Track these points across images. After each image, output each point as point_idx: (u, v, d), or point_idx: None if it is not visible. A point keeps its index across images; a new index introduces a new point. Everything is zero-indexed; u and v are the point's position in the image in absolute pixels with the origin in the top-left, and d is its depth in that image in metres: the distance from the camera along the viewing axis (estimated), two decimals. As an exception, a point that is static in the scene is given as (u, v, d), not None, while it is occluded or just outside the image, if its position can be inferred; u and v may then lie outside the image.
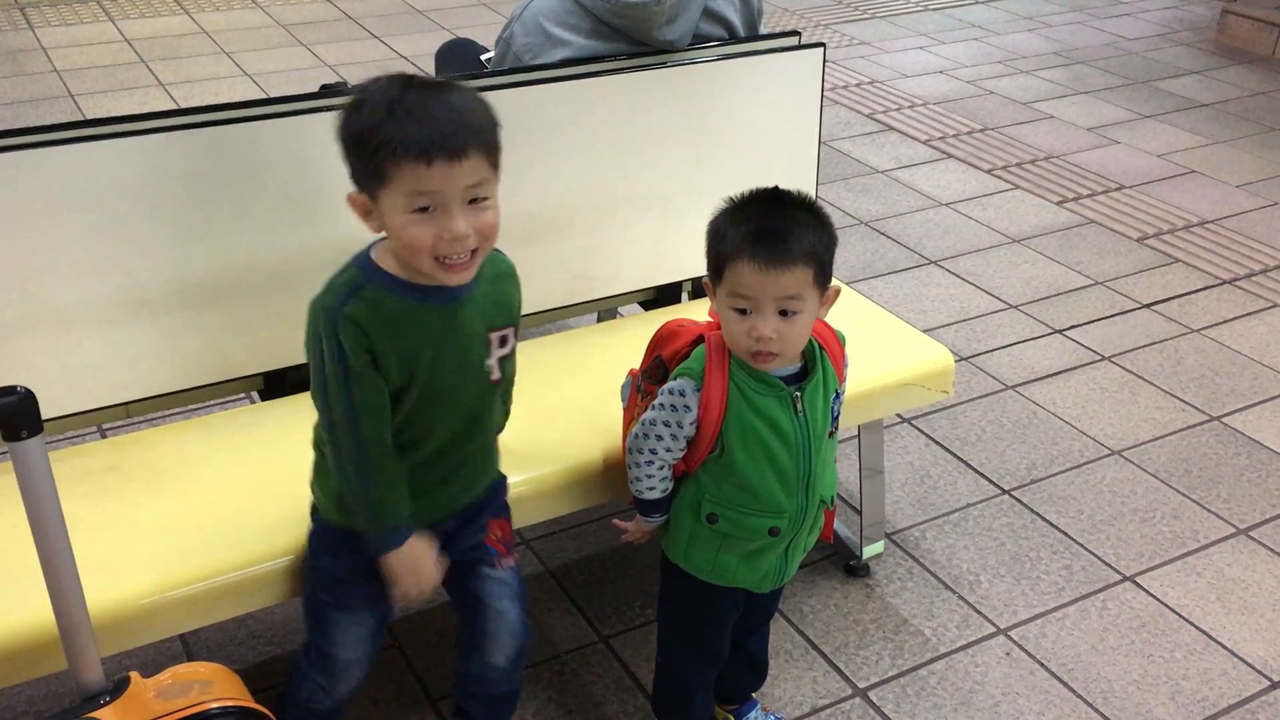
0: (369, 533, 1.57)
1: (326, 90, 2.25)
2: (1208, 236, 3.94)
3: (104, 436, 2.57)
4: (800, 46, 2.44)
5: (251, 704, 1.24)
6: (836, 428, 1.77)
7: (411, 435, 1.57)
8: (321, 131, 1.81)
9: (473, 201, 1.45)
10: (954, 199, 4.17)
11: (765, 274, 1.55)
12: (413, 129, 1.39)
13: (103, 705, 1.19)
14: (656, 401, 1.70)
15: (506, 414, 1.78)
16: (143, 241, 1.92)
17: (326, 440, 1.55)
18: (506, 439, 1.81)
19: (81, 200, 1.87)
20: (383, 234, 1.51)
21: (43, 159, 1.83)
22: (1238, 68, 5.58)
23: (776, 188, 1.65)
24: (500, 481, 1.80)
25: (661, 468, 1.73)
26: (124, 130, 1.89)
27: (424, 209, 1.42)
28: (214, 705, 1.21)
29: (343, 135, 1.47)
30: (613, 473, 1.96)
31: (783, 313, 1.58)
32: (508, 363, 1.66)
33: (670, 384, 1.69)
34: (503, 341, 1.63)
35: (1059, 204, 4.15)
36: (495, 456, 1.76)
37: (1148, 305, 3.51)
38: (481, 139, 1.44)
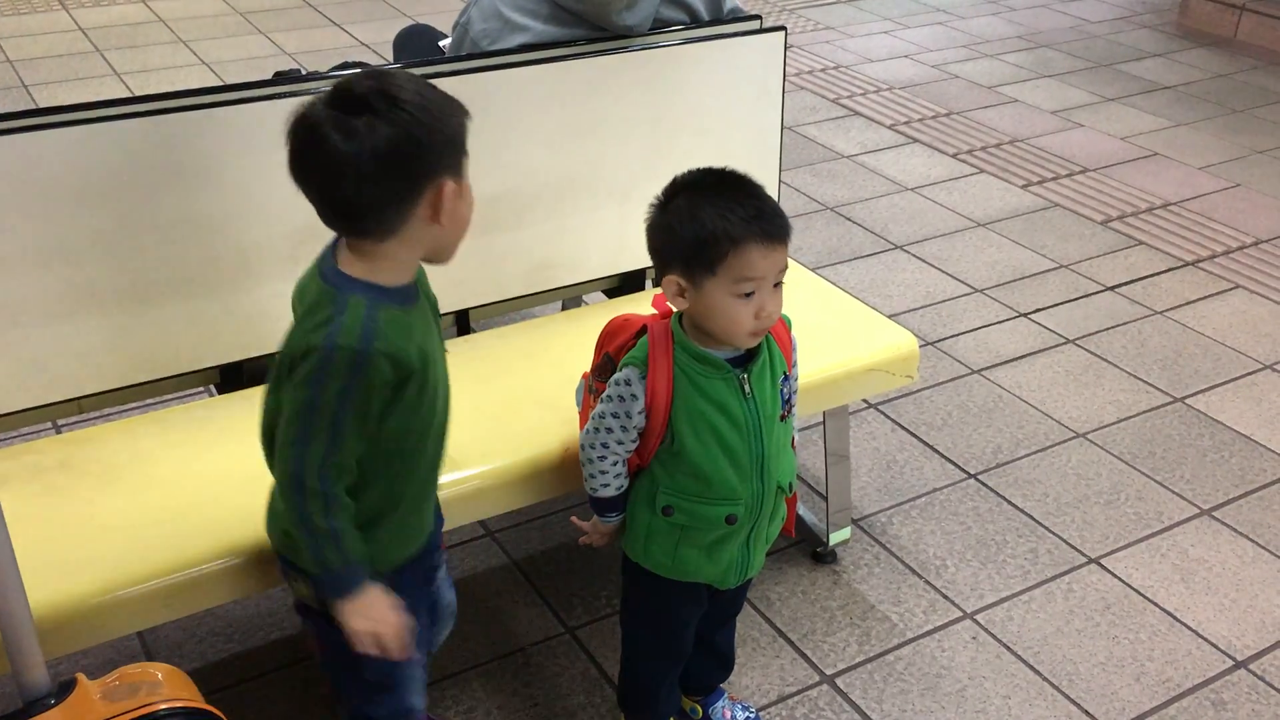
0: (335, 572, 1.44)
1: (280, 77, 2.20)
2: (1171, 219, 3.96)
3: (58, 432, 2.53)
4: (761, 30, 2.42)
5: (201, 704, 1.22)
6: (789, 411, 1.75)
7: (414, 441, 1.52)
8: (277, 120, 1.78)
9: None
10: (919, 183, 4.17)
11: (771, 252, 1.56)
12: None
13: (48, 708, 1.16)
14: (605, 394, 1.68)
15: None
16: (93, 233, 1.88)
17: (286, 481, 1.44)
18: (466, 431, 1.78)
19: (28, 191, 1.83)
20: (337, 238, 1.47)
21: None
22: (1200, 50, 5.61)
23: (713, 169, 1.63)
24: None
25: (616, 463, 1.71)
26: (73, 119, 1.85)
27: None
28: (162, 706, 1.19)
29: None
30: (577, 463, 1.94)
31: (775, 285, 1.60)
32: None
33: (615, 375, 1.68)
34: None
35: (1023, 188, 4.16)
36: None
37: (1111, 288, 3.52)
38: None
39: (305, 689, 2.10)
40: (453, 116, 1.42)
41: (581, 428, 1.83)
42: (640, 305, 1.85)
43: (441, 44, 2.91)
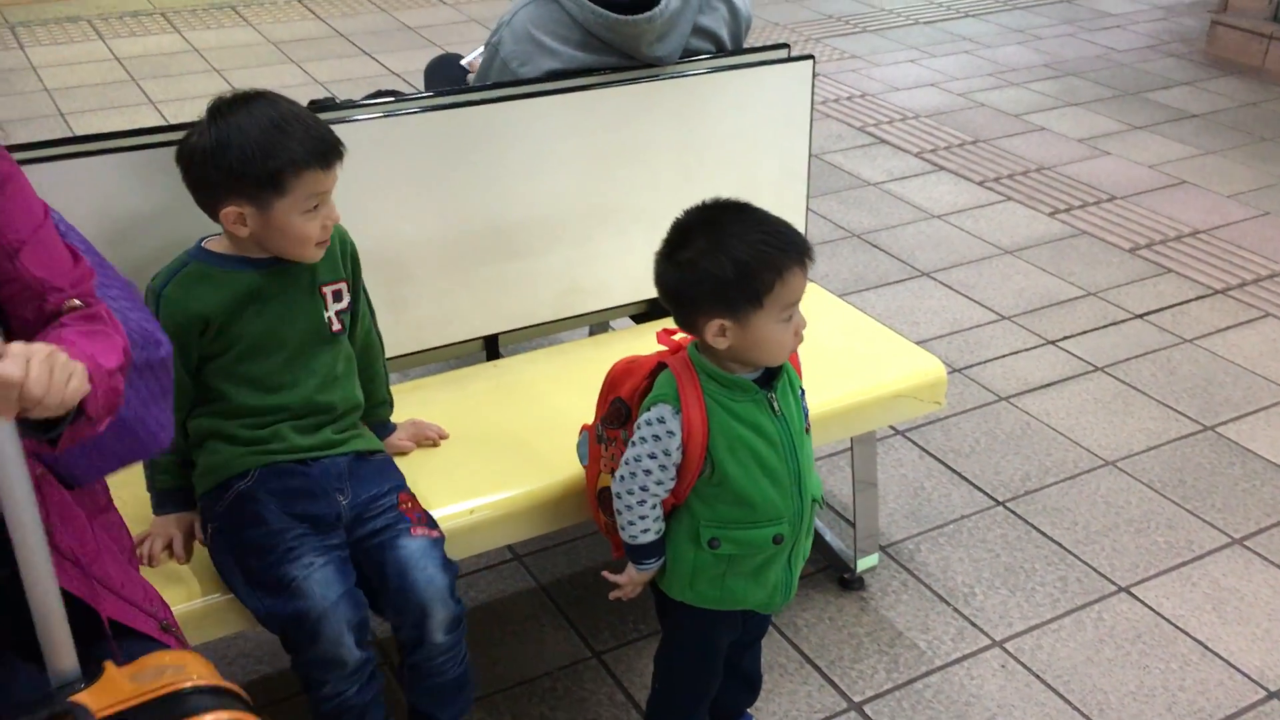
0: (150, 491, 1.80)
1: (314, 106, 2.24)
2: (1200, 247, 3.95)
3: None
4: (789, 59, 2.44)
5: (223, 683, 1.27)
6: (809, 424, 1.76)
7: (261, 380, 1.76)
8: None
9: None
10: (946, 211, 4.18)
11: (805, 272, 1.60)
12: (308, 141, 1.66)
13: (78, 690, 1.21)
14: (636, 437, 1.66)
15: (380, 384, 1.96)
16: (135, 256, 1.90)
17: None
18: (494, 455, 1.80)
19: (71, 217, 1.85)
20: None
21: (31, 175, 1.81)
22: (1228, 78, 5.60)
23: (709, 203, 1.65)
24: (389, 457, 1.92)
25: (654, 506, 1.69)
26: (110, 147, 1.88)
27: (315, 208, 1.70)
28: (187, 685, 1.23)
29: (220, 162, 1.65)
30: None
31: None
32: (349, 317, 1.85)
33: (645, 415, 1.66)
34: (337, 296, 1.82)
35: (1051, 215, 4.16)
36: (362, 427, 1.90)
37: (1140, 315, 3.51)
38: (338, 139, 1.72)
39: (333, 711, 2.10)
40: (279, 158, 1.64)
41: (591, 480, 1.83)
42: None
43: (464, 61, 2.93)
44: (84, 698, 1.19)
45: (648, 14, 2.21)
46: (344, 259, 1.84)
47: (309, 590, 1.65)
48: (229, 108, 1.68)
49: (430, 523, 1.81)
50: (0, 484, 1.18)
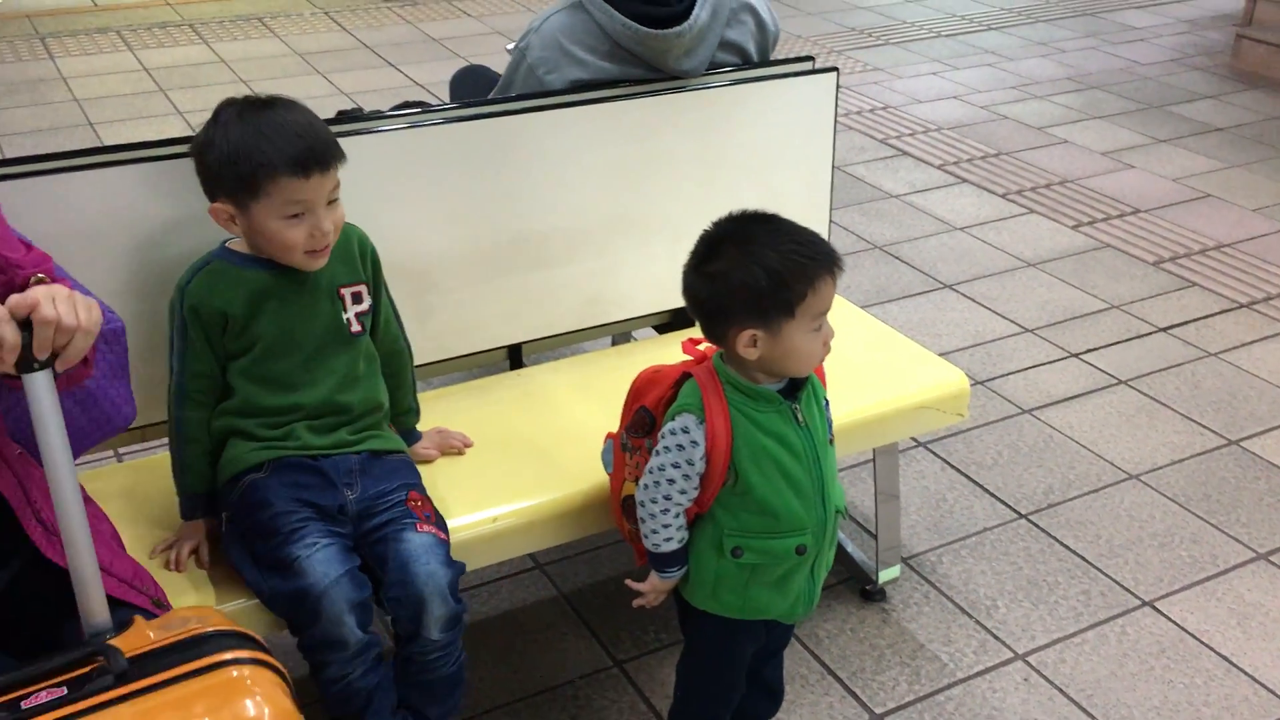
0: (179, 495, 1.83)
1: (343, 116, 2.26)
2: (1224, 260, 3.93)
3: (120, 460, 2.58)
4: (813, 71, 2.45)
5: (242, 629, 1.36)
6: (833, 435, 1.76)
7: (278, 380, 1.79)
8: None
9: (330, 202, 1.73)
10: (968, 223, 4.17)
11: (835, 281, 1.61)
12: (288, 147, 1.66)
13: (110, 638, 1.30)
14: (660, 446, 1.67)
15: (407, 391, 1.98)
16: (162, 262, 1.93)
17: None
18: (517, 464, 1.81)
19: (102, 225, 1.88)
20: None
21: (61, 184, 1.85)
22: (1253, 92, 5.57)
23: (737, 215, 1.65)
24: (407, 458, 1.91)
25: (678, 515, 1.69)
26: (137, 157, 1.90)
27: (297, 215, 1.69)
28: (209, 629, 1.32)
29: (209, 156, 1.71)
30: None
31: None
32: (370, 319, 1.87)
33: (669, 425, 1.66)
34: (356, 298, 1.84)
35: (1074, 228, 4.15)
36: (386, 427, 1.92)
37: (1164, 329, 3.49)
38: (336, 149, 1.72)
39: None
40: (250, 162, 1.66)
41: (615, 488, 1.83)
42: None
43: (509, 47, 2.81)
44: (118, 642, 1.28)
45: (677, 29, 2.22)
46: (364, 261, 1.87)
47: (309, 569, 1.67)
48: (229, 107, 1.72)
49: (438, 523, 1.81)
50: (39, 434, 1.24)
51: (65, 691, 1.20)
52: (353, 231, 1.86)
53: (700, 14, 2.24)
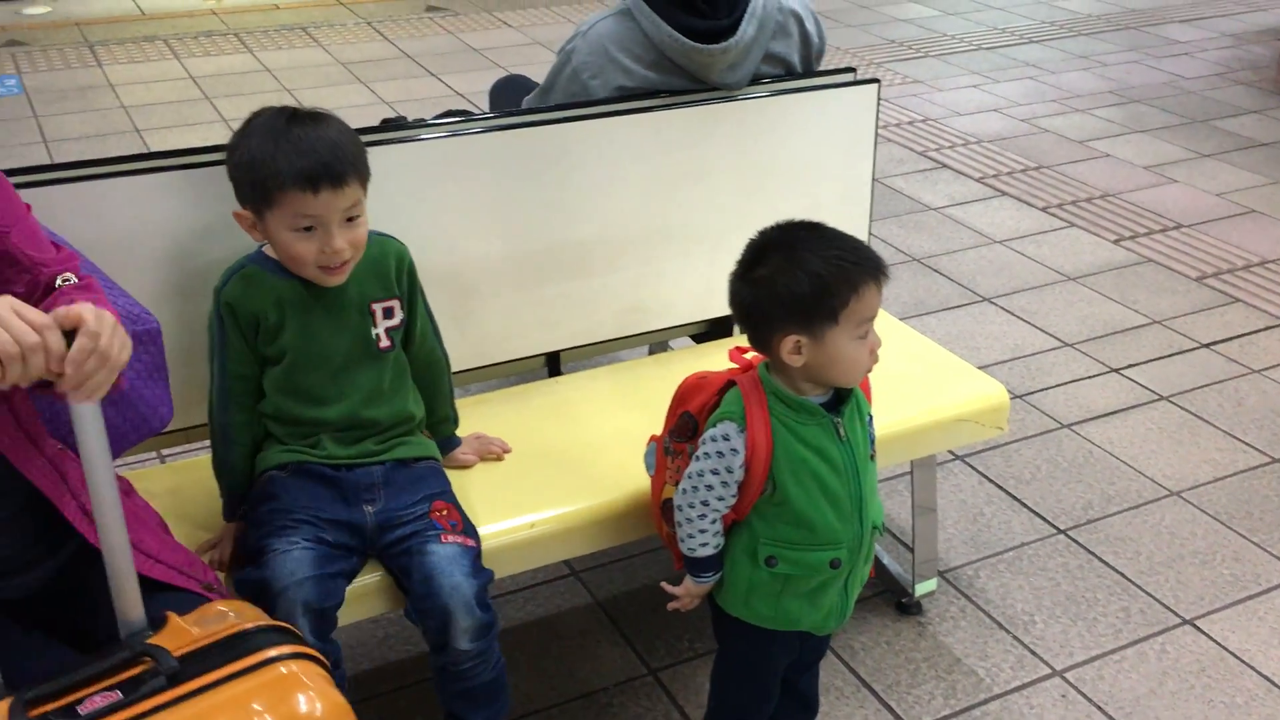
0: (222, 495, 1.86)
1: (387, 124, 2.29)
2: (1268, 276, 3.88)
3: (163, 461, 2.62)
4: (854, 82, 2.45)
5: (280, 623, 1.38)
6: (875, 451, 1.76)
7: (307, 393, 1.82)
8: (382, 165, 1.85)
9: (349, 220, 1.72)
10: (1008, 236, 4.15)
11: (880, 289, 1.60)
12: (300, 160, 1.66)
13: (148, 637, 1.32)
14: (700, 452, 1.67)
15: (444, 400, 1.98)
16: (205, 266, 1.95)
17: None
18: (554, 470, 1.81)
19: (146, 230, 1.91)
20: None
21: (107, 189, 1.88)
22: (1299, 107, 5.51)
23: (784, 224, 1.65)
24: (436, 465, 1.91)
25: (714, 521, 1.69)
26: (183, 163, 1.92)
27: (308, 228, 1.70)
28: (250, 626, 1.34)
29: (232, 160, 1.74)
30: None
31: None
32: (402, 334, 1.88)
33: (710, 431, 1.67)
34: (387, 313, 1.84)
35: (1115, 242, 4.11)
36: (417, 434, 1.93)
37: (1207, 345, 3.46)
38: (356, 167, 1.72)
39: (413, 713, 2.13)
40: (262, 171, 1.68)
41: (656, 490, 1.84)
42: (724, 352, 1.85)
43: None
44: (159, 641, 1.30)
45: (723, 44, 2.23)
46: (398, 276, 1.86)
47: (277, 564, 1.68)
48: (260, 116, 1.75)
49: (466, 530, 1.81)
50: (84, 456, 1.27)
51: (119, 695, 1.21)
52: (389, 245, 1.86)
53: (746, 29, 2.25)
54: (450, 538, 1.77)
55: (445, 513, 1.82)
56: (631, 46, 2.29)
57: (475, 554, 1.79)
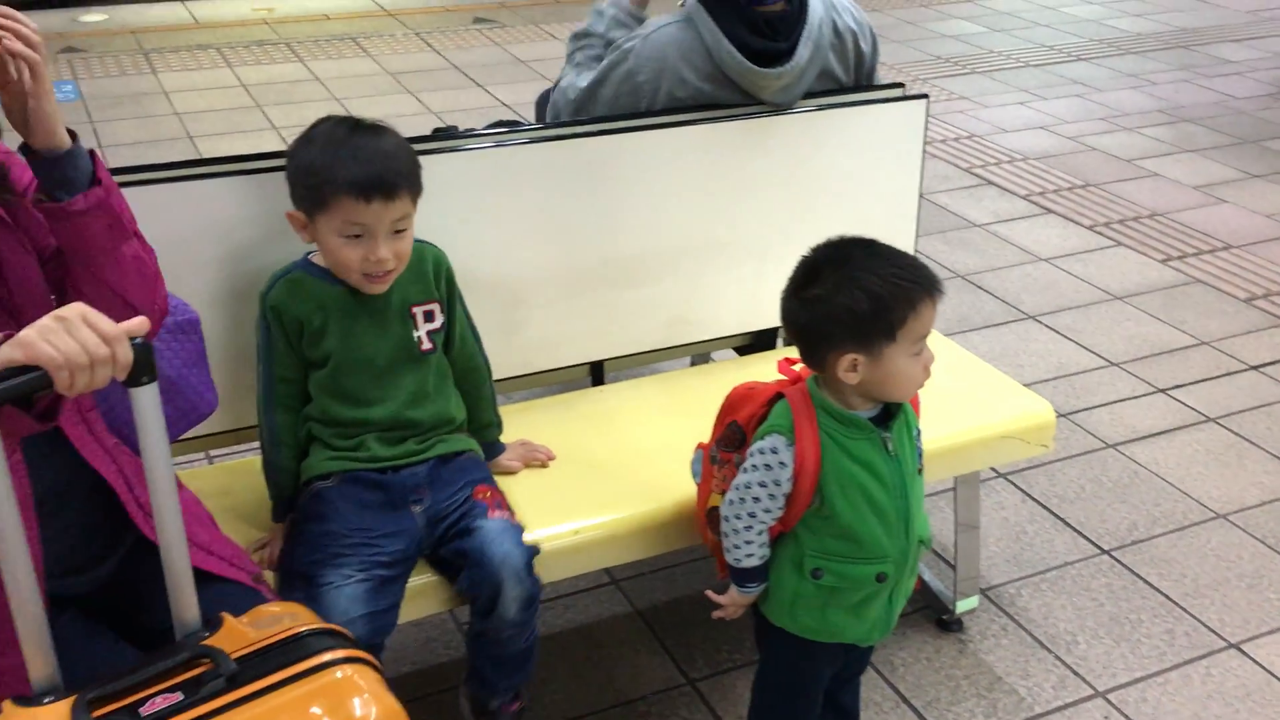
0: (272, 497, 1.88)
1: (439, 134, 2.32)
2: (1320, 299, 3.84)
3: (210, 463, 2.66)
4: (903, 98, 2.45)
5: (334, 626, 1.39)
6: (922, 465, 1.76)
7: (352, 395, 1.84)
8: (432, 174, 1.87)
9: (397, 232, 1.76)
10: (1054, 254, 4.12)
11: (936, 306, 1.61)
12: (357, 169, 1.70)
13: (204, 638, 1.33)
14: (748, 464, 1.68)
15: (486, 406, 2.00)
16: (254, 271, 1.97)
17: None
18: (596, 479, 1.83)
19: (200, 234, 1.94)
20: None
21: (160, 195, 1.91)
22: (1352, 128, 5.44)
23: (837, 240, 1.66)
24: (476, 456, 1.95)
25: (761, 532, 1.70)
26: (237, 169, 1.96)
27: (356, 236, 1.73)
28: (304, 628, 1.35)
29: (291, 163, 1.78)
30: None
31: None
32: (442, 336, 1.91)
33: (759, 444, 1.68)
34: (428, 316, 1.88)
35: (1163, 262, 4.08)
36: (457, 432, 1.95)
37: (1256, 367, 3.42)
38: (409, 181, 1.76)
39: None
40: (319, 176, 1.72)
41: (702, 499, 1.85)
42: (771, 363, 1.86)
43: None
44: (215, 642, 1.31)
45: (779, 69, 2.24)
46: (437, 280, 1.90)
47: (329, 600, 1.69)
48: (325, 122, 1.79)
49: (509, 509, 1.87)
50: (142, 442, 1.29)
51: (181, 696, 1.23)
52: (428, 250, 1.90)
53: (802, 53, 2.26)
54: (496, 513, 1.83)
55: (489, 494, 1.88)
56: (691, 56, 2.29)
57: (520, 530, 1.84)
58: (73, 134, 1.42)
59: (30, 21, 1.35)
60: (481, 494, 1.87)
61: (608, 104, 2.37)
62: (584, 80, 2.44)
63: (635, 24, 2.54)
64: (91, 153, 1.44)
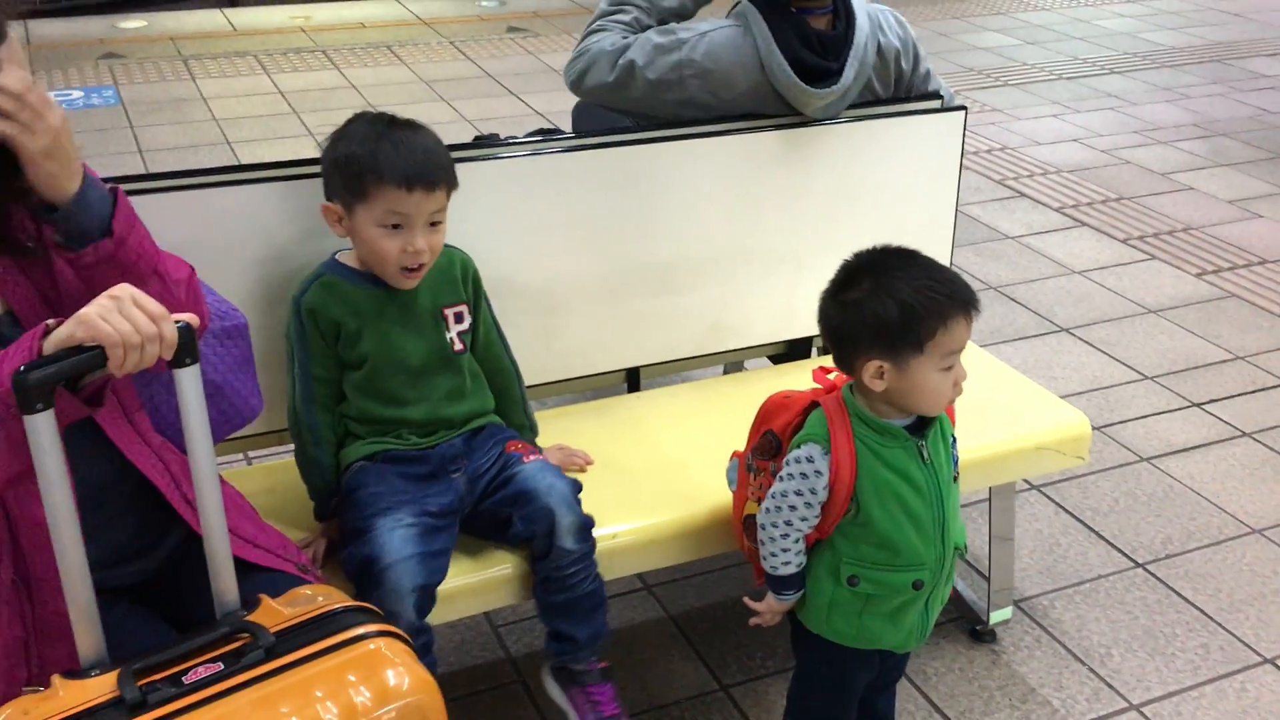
0: (313, 496, 1.92)
1: (480, 141, 2.34)
2: (1357, 314, 3.81)
3: (249, 463, 2.69)
4: (942, 109, 2.46)
5: (364, 604, 1.44)
6: (958, 473, 1.76)
7: (389, 395, 1.88)
8: (472, 180, 1.90)
9: (432, 224, 1.80)
10: (1087, 267, 4.11)
11: (970, 323, 1.62)
12: (399, 160, 1.74)
13: (242, 616, 1.39)
14: (784, 472, 1.69)
15: (518, 408, 2.03)
16: (289, 274, 1.98)
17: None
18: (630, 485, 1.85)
19: (237, 238, 1.97)
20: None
21: (199, 200, 1.94)
22: (1390, 143, 5.39)
23: (879, 248, 1.67)
24: (501, 427, 1.99)
25: (797, 540, 1.71)
26: (274, 175, 1.98)
27: (396, 226, 1.76)
28: (337, 606, 1.40)
29: (329, 155, 1.81)
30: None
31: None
32: (470, 337, 1.94)
33: (795, 453, 1.69)
34: (458, 318, 1.91)
35: (1198, 276, 4.06)
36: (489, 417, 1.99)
37: (1292, 382, 3.40)
38: (447, 175, 1.80)
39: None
40: (361, 165, 1.75)
41: (738, 506, 1.86)
42: (805, 372, 1.87)
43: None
44: (254, 619, 1.38)
45: (824, 89, 2.25)
46: (465, 283, 1.94)
47: (384, 540, 1.74)
48: (363, 116, 1.84)
49: (533, 453, 1.94)
50: (184, 423, 1.34)
51: (221, 666, 1.29)
52: (455, 254, 1.93)
53: (848, 74, 2.27)
54: (531, 457, 1.90)
55: (520, 445, 1.94)
56: (745, 60, 2.28)
57: (559, 468, 1.91)
58: (90, 179, 1.37)
59: (14, 85, 1.25)
60: (514, 446, 1.93)
61: (647, 86, 2.36)
62: (635, 50, 2.36)
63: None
64: (116, 192, 1.40)
